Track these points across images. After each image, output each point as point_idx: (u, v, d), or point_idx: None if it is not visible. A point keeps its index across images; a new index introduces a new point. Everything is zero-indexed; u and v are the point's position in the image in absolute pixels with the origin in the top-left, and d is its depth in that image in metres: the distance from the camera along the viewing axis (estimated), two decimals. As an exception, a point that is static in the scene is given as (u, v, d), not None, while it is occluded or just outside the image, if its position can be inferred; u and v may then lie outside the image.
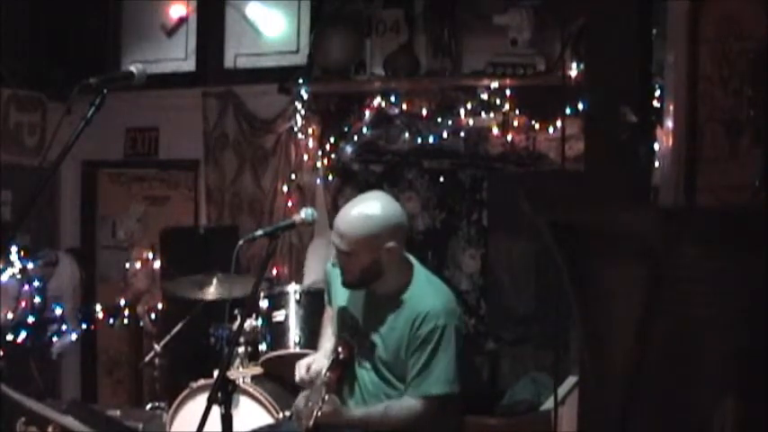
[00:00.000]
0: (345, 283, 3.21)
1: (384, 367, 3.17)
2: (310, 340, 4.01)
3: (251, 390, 4.09)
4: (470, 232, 5.39)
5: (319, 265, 5.07)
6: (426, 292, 3.18)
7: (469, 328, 5.27)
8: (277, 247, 3.30)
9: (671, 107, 1.91)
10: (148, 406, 5.00)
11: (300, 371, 3.32)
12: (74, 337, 5.97)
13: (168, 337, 4.80)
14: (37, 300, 5.69)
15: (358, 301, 3.26)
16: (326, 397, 3.07)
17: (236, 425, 2.80)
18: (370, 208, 3.13)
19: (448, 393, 3.10)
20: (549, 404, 4.52)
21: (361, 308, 3.25)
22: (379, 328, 3.17)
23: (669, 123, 1.91)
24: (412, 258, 3.28)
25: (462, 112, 5.12)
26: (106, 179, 6.53)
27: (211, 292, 4.57)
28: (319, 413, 3.00)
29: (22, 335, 5.54)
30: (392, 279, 3.17)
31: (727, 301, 1.68)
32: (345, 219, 3.13)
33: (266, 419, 3.98)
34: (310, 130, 5.58)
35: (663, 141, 1.95)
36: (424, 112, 5.22)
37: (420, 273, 3.24)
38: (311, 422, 3.00)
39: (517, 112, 5.02)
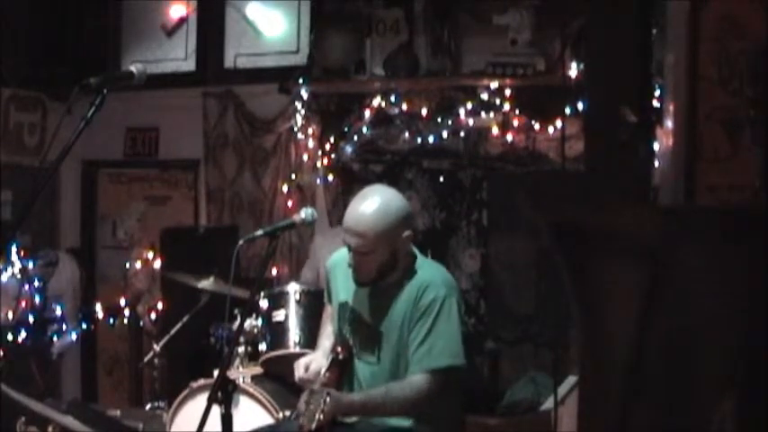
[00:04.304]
0: (360, 282, 3.18)
1: (390, 357, 3.13)
2: (310, 340, 4.00)
3: (251, 390, 4.08)
4: (470, 232, 5.40)
5: (312, 268, 5.08)
6: (426, 269, 3.18)
7: (469, 328, 5.27)
8: (277, 247, 3.30)
9: (671, 107, 1.91)
10: (148, 406, 5.00)
11: (299, 370, 3.32)
12: (74, 337, 5.97)
13: (168, 337, 4.80)
14: (37, 300, 5.69)
15: (361, 295, 3.25)
16: (328, 399, 3.05)
17: (236, 425, 2.80)
18: (381, 203, 3.10)
19: (453, 366, 3.05)
20: (548, 404, 4.52)
21: (364, 300, 3.23)
22: (384, 314, 3.15)
23: (669, 123, 1.91)
24: (414, 249, 3.28)
25: (462, 112, 5.12)
26: (106, 179, 6.53)
27: (211, 283, 4.58)
28: (321, 416, 2.98)
29: (22, 335, 5.54)
30: (398, 270, 3.17)
31: (727, 301, 1.68)
32: (360, 218, 3.09)
33: (266, 419, 3.98)
34: (310, 130, 5.58)
35: (663, 141, 1.95)
36: (424, 112, 5.22)
37: (421, 258, 3.25)
38: (314, 425, 2.98)
39: (517, 112, 5.02)
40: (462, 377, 3.15)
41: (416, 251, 3.26)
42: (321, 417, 2.96)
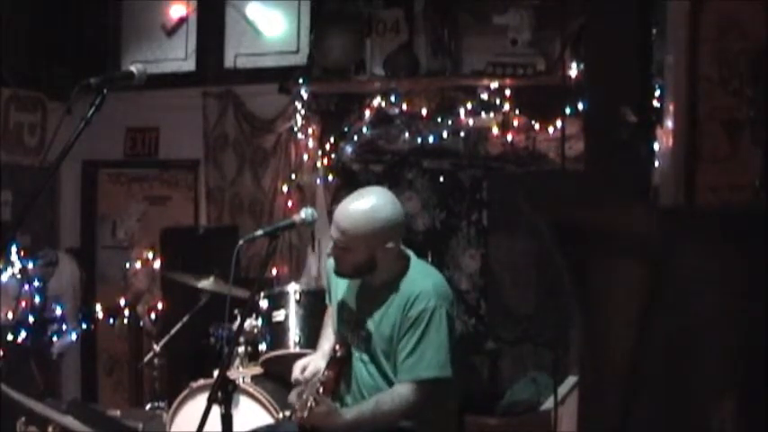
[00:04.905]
0: (337, 272, 3.22)
1: (381, 356, 3.15)
2: (310, 340, 4.01)
3: (251, 390, 4.09)
4: (470, 232, 5.40)
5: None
6: (418, 276, 3.18)
7: (469, 328, 5.28)
8: (277, 247, 3.31)
9: (671, 107, 1.91)
10: (148, 406, 5.00)
11: (296, 372, 3.33)
12: (74, 337, 5.98)
13: (168, 337, 4.80)
14: (37, 300, 5.69)
15: (356, 295, 3.27)
16: (321, 390, 3.06)
17: (236, 425, 2.80)
18: (372, 206, 3.11)
19: (439, 377, 3.06)
20: (548, 404, 4.52)
21: (358, 300, 3.25)
22: (374, 315, 3.17)
23: (669, 123, 1.91)
24: (408, 251, 3.28)
25: (462, 112, 5.12)
26: (106, 179, 6.53)
27: (211, 283, 4.59)
28: (313, 404, 2.99)
29: (22, 335, 5.54)
30: (388, 270, 3.17)
31: (727, 301, 1.68)
32: (346, 215, 3.12)
33: (266, 419, 3.98)
34: (310, 130, 5.58)
35: (663, 141, 1.95)
36: (424, 112, 5.22)
37: (415, 262, 3.25)
38: (305, 413, 3.00)
39: (517, 112, 5.02)
40: (452, 387, 3.16)
41: (411, 254, 3.26)
42: (313, 404, 2.97)
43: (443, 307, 3.09)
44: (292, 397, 3.27)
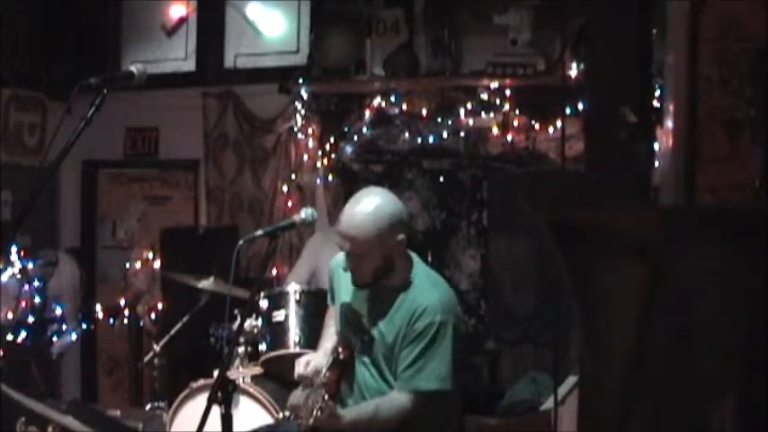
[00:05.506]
0: (357, 284, 3.19)
1: (383, 361, 3.16)
2: (310, 340, 4.00)
3: (251, 390, 4.09)
4: (470, 232, 5.40)
5: (307, 264, 5.08)
6: (425, 287, 3.17)
7: (469, 328, 5.27)
8: (277, 247, 3.30)
9: (671, 107, 1.91)
10: (148, 406, 5.00)
11: (299, 367, 3.32)
12: (74, 337, 5.97)
13: (168, 337, 4.80)
14: (37, 300, 5.69)
15: (360, 296, 3.26)
16: (326, 397, 3.06)
17: (236, 425, 2.80)
18: (374, 207, 3.10)
19: (438, 390, 3.07)
20: (549, 404, 4.52)
21: (362, 302, 3.24)
22: (379, 321, 3.16)
23: (669, 123, 1.91)
24: (412, 253, 3.28)
25: (462, 112, 5.12)
26: (106, 179, 6.53)
27: (211, 283, 4.59)
28: (319, 413, 2.99)
29: (22, 335, 5.54)
30: (396, 273, 3.17)
31: (727, 301, 1.68)
32: (353, 221, 3.10)
33: (266, 419, 3.98)
34: (310, 130, 5.58)
35: (663, 141, 1.95)
36: (424, 112, 5.23)
37: (420, 268, 3.24)
38: (311, 421, 3.00)
39: (517, 112, 5.02)
40: (452, 396, 3.16)
41: (414, 256, 3.26)
42: (318, 413, 2.97)
43: (449, 321, 3.09)
44: (294, 399, 3.26)
